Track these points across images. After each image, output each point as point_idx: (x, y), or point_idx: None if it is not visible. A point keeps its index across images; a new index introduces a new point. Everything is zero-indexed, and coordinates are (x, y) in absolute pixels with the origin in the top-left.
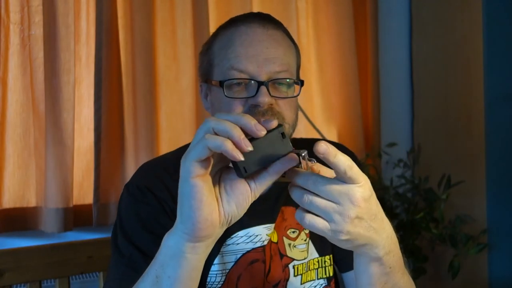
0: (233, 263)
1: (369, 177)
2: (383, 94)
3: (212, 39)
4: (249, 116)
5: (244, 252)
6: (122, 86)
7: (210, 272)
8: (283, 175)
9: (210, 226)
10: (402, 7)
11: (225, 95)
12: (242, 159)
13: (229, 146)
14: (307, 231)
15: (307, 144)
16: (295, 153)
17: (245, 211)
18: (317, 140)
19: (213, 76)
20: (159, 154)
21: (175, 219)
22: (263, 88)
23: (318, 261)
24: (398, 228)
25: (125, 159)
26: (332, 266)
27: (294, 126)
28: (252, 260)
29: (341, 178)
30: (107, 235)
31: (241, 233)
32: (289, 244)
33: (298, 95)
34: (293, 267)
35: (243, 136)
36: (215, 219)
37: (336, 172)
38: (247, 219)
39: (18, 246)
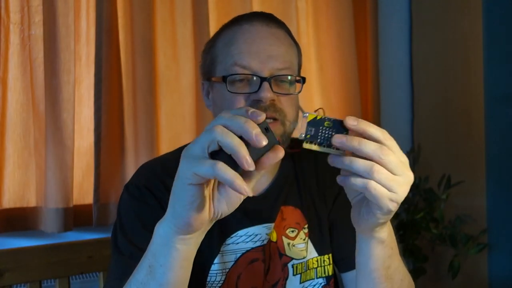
0: (233, 263)
1: None
2: (383, 94)
3: (215, 38)
4: (253, 124)
5: (244, 251)
6: (122, 86)
7: (210, 272)
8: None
9: (200, 224)
10: (402, 7)
11: (228, 90)
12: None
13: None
14: (306, 230)
15: None
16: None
17: (236, 207)
18: None
19: (216, 73)
20: (159, 154)
21: None
22: (266, 84)
23: (317, 260)
24: (398, 228)
25: (125, 159)
26: (331, 266)
27: (294, 124)
28: (252, 259)
29: None
30: (107, 235)
31: (241, 232)
32: (288, 244)
33: (300, 92)
34: (292, 266)
35: (248, 156)
36: (205, 217)
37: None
38: (247, 219)
39: (18, 246)
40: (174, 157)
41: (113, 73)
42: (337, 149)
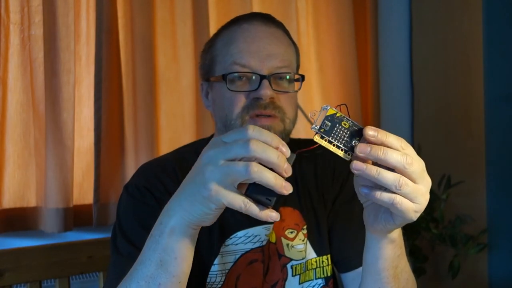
0: (232, 263)
1: None
2: (383, 94)
3: (214, 38)
4: (283, 158)
5: (243, 252)
6: (122, 86)
7: (210, 272)
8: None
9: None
10: (402, 7)
11: (228, 88)
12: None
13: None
14: (305, 231)
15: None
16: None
17: None
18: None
19: (215, 73)
20: (159, 154)
21: None
22: (265, 82)
23: (316, 261)
24: None
25: (125, 159)
26: (330, 266)
27: (294, 122)
28: (251, 260)
29: None
30: (107, 235)
31: (240, 233)
32: (287, 245)
33: (299, 89)
34: (291, 267)
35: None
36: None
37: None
38: (246, 220)
39: (18, 246)
40: (174, 157)
41: (113, 73)
42: (345, 152)
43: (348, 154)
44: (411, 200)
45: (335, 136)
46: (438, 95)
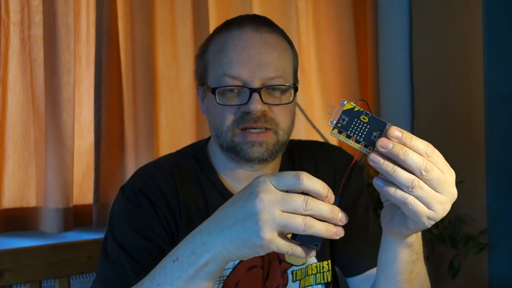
0: (231, 269)
1: (368, 178)
2: (383, 94)
3: (207, 43)
4: (336, 212)
5: None
6: (122, 86)
7: None
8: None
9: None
10: (402, 7)
11: (217, 102)
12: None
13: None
14: None
15: (305, 147)
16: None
17: None
18: (316, 142)
19: (208, 81)
20: (159, 154)
21: (168, 224)
22: (256, 95)
23: (316, 267)
24: None
25: (125, 159)
26: (330, 272)
27: (289, 132)
28: (251, 266)
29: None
30: None
31: None
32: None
33: (292, 101)
34: (292, 272)
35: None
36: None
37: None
38: None
39: (18, 246)
40: (173, 160)
41: (113, 73)
42: (366, 146)
43: (369, 149)
44: (426, 205)
45: (353, 130)
46: (438, 95)
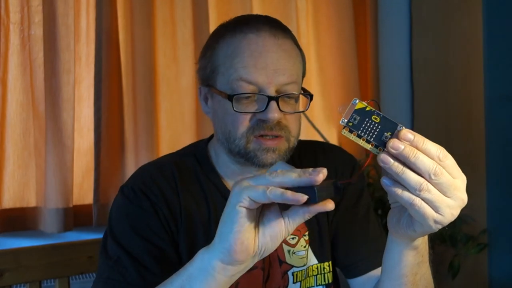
0: None
1: (368, 178)
2: (383, 94)
3: (216, 44)
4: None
5: None
6: (122, 86)
7: None
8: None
9: (244, 251)
10: (402, 7)
11: (234, 110)
12: (304, 200)
13: (289, 197)
14: (306, 238)
15: (305, 147)
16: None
17: (278, 245)
18: (316, 142)
19: (217, 84)
20: (159, 154)
21: (168, 224)
22: (273, 104)
23: (317, 268)
24: None
25: (125, 159)
26: (331, 273)
27: (298, 138)
28: (251, 267)
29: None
30: None
31: None
32: (289, 251)
33: (307, 109)
34: (292, 274)
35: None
36: (250, 246)
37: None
38: None
39: (18, 246)
40: (172, 160)
41: (113, 73)
42: (376, 146)
43: (380, 150)
44: (433, 209)
45: (364, 130)
46: (438, 95)
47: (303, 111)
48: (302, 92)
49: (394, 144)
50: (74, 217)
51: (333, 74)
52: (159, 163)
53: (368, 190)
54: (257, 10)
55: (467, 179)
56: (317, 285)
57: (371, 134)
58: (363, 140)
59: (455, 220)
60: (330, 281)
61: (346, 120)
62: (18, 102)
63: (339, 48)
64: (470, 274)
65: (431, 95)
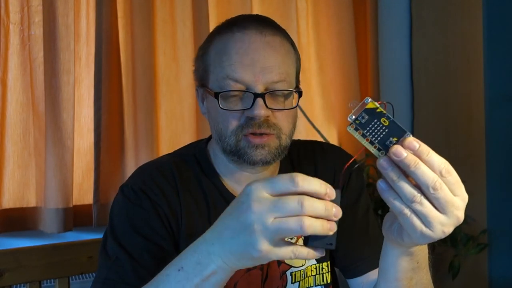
0: None
1: (368, 178)
2: (383, 94)
3: (208, 44)
4: (331, 208)
5: None
6: (122, 86)
7: None
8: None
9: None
10: (402, 7)
11: (220, 107)
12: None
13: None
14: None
15: (305, 147)
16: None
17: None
18: (315, 142)
19: (209, 83)
20: (159, 154)
21: (168, 223)
22: (260, 101)
23: (315, 268)
24: None
25: (125, 159)
26: (329, 273)
27: (291, 136)
28: (249, 267)
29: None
30: None
31: None
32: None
33: (295, 107)
34: (291, 274)
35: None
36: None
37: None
38: None
39: (18, 246)
40: (173, 160)
41: (113, 73)
42: (379, 149)
43: (382, 153)
44: (424, 223)
45: (370, 130)
46: (438, 95)
47: (291, 108)
48: (290, 89)
49: (397, 150)
50: (74, 217)
51: (333, 74)
52: (158, 163)
53: (368, 190)
54: (257, 10)
55: (467, 179)
56: (315, 285)
57: (376, 136)
58: (367, 140)
59: None
60: (329, 281)
61: (354, 117)
62: (18, 102)
63: (339, 48)
64: (470, 274)
65: (431, 95)
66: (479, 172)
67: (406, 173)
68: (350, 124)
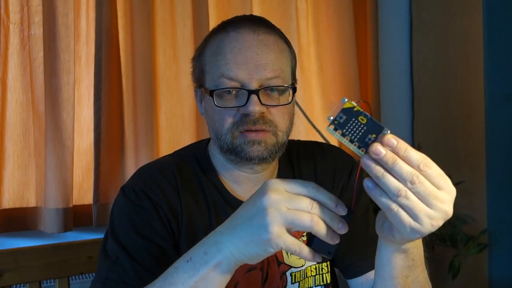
0: None
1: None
2: (383, 94)
3: (204, 45)
4: (337, 220)
5: None
6: (122, 86)
7: None
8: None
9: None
10: (402, 7)
11: (215, 105)
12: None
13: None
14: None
15: (304, 147)
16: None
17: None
18: (315, 142)
19: (206, 83)
20: (159, 154)
21: (169, 224)
22: (254, 97)
23: (315, 268)
24: None
25: (125, 159)
26: (329, 274)
27: (288, 133)
28: (249, 268)
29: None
30: None
31: None
32: (287, 252)
33: (290, 102)
34: (291, 274)
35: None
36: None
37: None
38: None
39: (18, 246)
40: (173, 161)
41: (113, 73)
42: (359, 147)
43: (362, 150)
44: (412, 217)
45: (349, 129)
46: (438, 95)
47: (286, 104)
48: (284, 85)
49: (376, 149)
50: (74, 217)
51: (333, 74)
52: (159, 164)
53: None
54: (257, 10)
55: (467, 179)
56: (315, 286)
57: (355, 134)
58: (347, 139)
59: (455, 220)
60: (329, 281)
61: (332, 118)
62: (18, 102)
63: (339, 48)
64: (470, 274)
65: (431, 95)
66: (479, 172)
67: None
68: (329, 125)
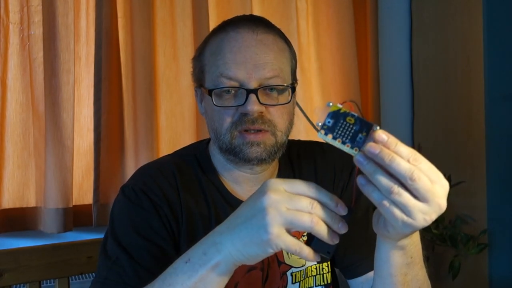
0: None
1: None
2: (383, 94)
3: (204, 45)
4: (337, 219)
5: None
6: (122, 86)
7: None
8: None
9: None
10: (402, 7)
11: (214, 104)
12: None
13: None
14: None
15: (305, 147)
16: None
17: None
18: (315, 142)
19: (205, 83)
20: (159, 154)
21: (169, 224)
22: (252, 96)
23: (316, 268)
24: None
25: (125, 159)
26: (330, 273)
27: (287, 133)
28: (250, 268)
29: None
30: None
31: None
32: (287, 252)
33: (289, 102)
34: (291, 274)
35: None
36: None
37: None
38: None
39: (18, 246)
40: (173, 160)
41: (113, 73)
42: (352, 147)
43: (355, 150)
44: (405, 213)
45: (339, 132)
46: (438, 95)
47: (285, 103)
48: (284, 85)
49: (371, 148)
50: (74, 217)
51: (333, 74)
52: (159, 163)
53: None
54: (257, 10)
55: (467, 179)
56: (316, 286)
57: (346, 135)
58: (339, 141)
59: (455, 220)
60: (329, 281)
61: (320, 123)
62: (18, 102)
63: (339, 48)
64: (471, 274)
65: (431, 95)
66: (479, 172)
67: (383, 166)
68: (319, 131)
